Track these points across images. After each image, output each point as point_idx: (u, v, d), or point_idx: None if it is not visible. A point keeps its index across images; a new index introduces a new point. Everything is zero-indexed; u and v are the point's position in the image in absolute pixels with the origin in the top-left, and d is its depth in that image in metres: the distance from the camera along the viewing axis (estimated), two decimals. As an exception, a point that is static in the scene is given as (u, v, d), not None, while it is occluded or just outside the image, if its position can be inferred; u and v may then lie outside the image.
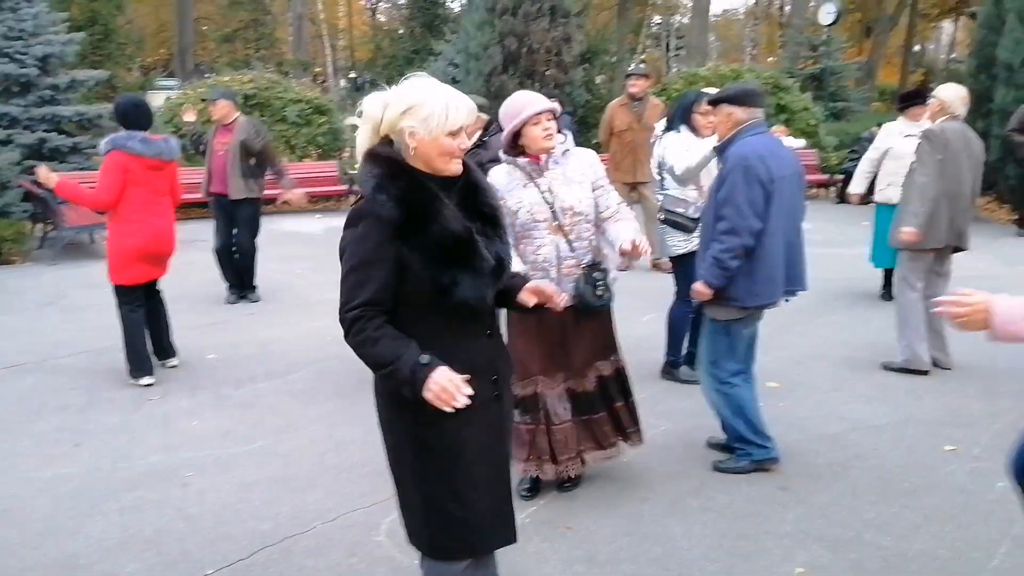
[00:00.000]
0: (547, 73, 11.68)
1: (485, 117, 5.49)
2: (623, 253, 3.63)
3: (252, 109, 13.28)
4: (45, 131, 12.30)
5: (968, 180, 5.61)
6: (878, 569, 3.36)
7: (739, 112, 4.10)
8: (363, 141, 2.38)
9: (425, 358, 2.25)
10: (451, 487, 2.44)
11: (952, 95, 5.66)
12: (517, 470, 3.68)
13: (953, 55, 44.14)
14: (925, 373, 5.64)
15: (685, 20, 41.27)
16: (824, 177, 15.26)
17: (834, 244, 10.23)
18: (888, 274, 7.59)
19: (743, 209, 3.89)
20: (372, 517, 3.80)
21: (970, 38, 17.54)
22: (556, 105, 3.81)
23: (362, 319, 2.28)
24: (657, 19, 44.57)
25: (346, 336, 2.32)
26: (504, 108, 3.75)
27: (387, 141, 2.36)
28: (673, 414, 5.00)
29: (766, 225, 3.92)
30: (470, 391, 2.23)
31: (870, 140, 14.00)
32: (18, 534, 3.73)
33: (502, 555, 3.45)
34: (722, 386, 4.23)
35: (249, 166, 7.64)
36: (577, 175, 3.76)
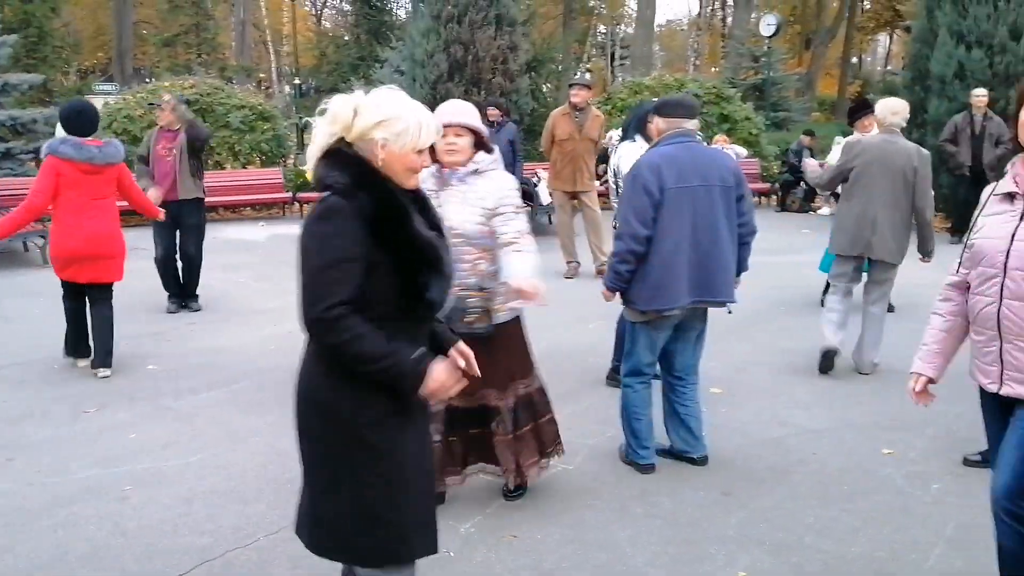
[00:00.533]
0: (493, 81, 11.70)
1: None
2: (514, 292, 3.54)
3: (194, 115, 13.07)
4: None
5: (883, 191, 5.65)
6: (818, 572, 3.42)
7: (660, 122, 4.26)
8: (322, 140, 2.38)
9: (421, 350, 2.32)
10: (389, 493, 2.42)
11: (880, 108, 5.86)
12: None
13: (889, 67, 45.36)
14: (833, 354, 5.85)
15: (630, 30, 41.71)
16: (766, 186, 15.54)
17: (776, 252, 10.40)
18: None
19: (628, 216, 4.09)
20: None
21: (905, 51, 18.03)
22: (464, 121, 3.60)
23: (346, 317, 2.25)
24: (602, 29, 45.02)
25: (326, 335, 2.27)
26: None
27: (346, 145, 2.37)
28: (616, 421, 5.01)
29: (655, 233, 4.04)
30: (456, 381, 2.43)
31: (797, 151, 14.39)
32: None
33: (449, 567, 3.44)
34: (623, 381, 4.44)
35: (196, 165, 7.66)
36: (475, 198, 3.63)
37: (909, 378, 3.11)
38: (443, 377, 2.34)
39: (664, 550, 3.59)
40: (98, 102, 18.92)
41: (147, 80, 17.95)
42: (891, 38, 45.28)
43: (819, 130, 17.82)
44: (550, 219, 12.67)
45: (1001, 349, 2.77)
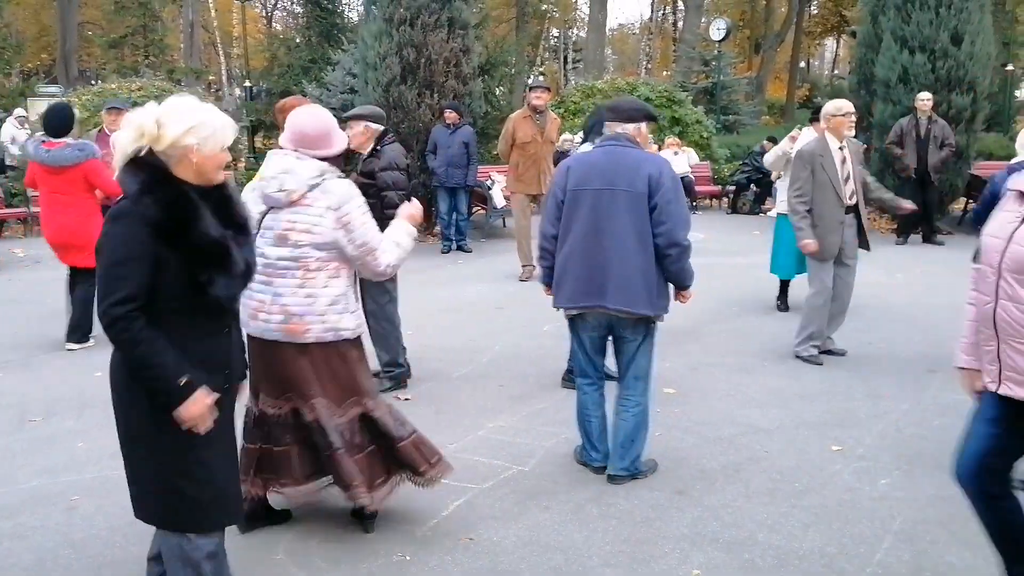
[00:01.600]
0: (446, 84, 11.66)
1: (379, 128, 5.47)
2: None
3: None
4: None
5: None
6: (770, 567, 3.47)
7: (601, 126, 4.46)
8: (128, 149, 2.56)
9: (184, 378, 2.55)
10: (185, 466, 2.67)
11: (827, 107, 6.16)
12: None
13: (836, 71, 46.22)
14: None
15: (582, 34, 41.96)
16: (716, 188, 15.73)
17: (727, 254, 10.55)
18: (785, 285, 7.83)
19: (543, 214, 4.36)
20: (271, 536, 3.71)
21: (851, 56, 18.38)
22: None
23: (126, 319, 2.49)
24: (555, 32, 45.21)
25: (108, 330, 2.52)
26: (331, 120, 3.62)
27: (149, 154, 2.57)
28: (573, 423, 5.03)
29: (560, 232, 4.20)
30: (215, 416, 2.64)
31: (761, 154, 14.59)
32: None
33: (404, 570, 3.43)
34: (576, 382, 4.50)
35: None
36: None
37: (962, 375, 3.06)
38: (196, 412, 2.60)
39: (619, 549, 3.62)
40: (42, 104, 18.52)
41: (93, 82, 17.58)
42: (838, 43, 46.16)
43: (773, 134, 18.08)
44: (504, 222, 12.71)
45: (998, 349, 2.79)
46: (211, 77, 36.67)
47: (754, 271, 8.85)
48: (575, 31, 45.81)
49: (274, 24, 42.37)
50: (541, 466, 4.47)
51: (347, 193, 3.46)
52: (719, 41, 22.55)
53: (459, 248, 11.23)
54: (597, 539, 3.71)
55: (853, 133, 6.30)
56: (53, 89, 21.51)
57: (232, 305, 2.76)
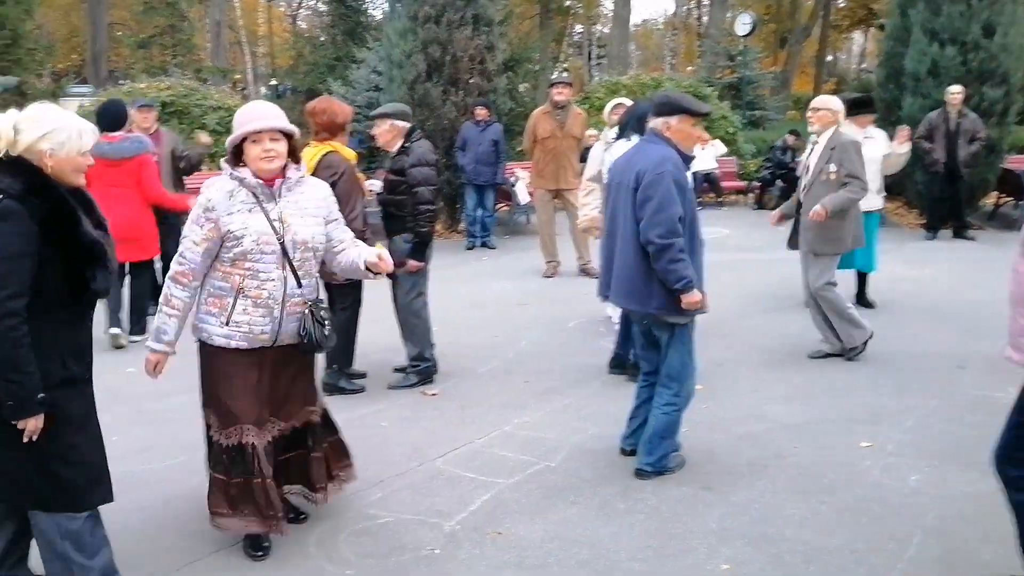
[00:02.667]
0: (471, 81, 11.68)
1: (405, 125, 5.50)
2: (370, 267, 3.50)
3: (170, 117, 12.98)
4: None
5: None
6: (799, 563, 3.46)
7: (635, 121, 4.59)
8: None
9: (40, 397, 2.72)
10: (58, 450, 2.85)
11: (841, 105, 6.09)
12: (226, 527, 3.49)
13: (864, 65, 45.78)
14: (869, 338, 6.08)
15: (606, 29, 41.81)
16: (742, 184, 15.64)
17: (753, 249, 10.49)
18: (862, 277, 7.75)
19: None
20: (301, 530, 3.74)
21: (879, 49, 18.19)
22: (280, 124, 3.32)
23: (18, 315, 2.66)
24: (579, 28, 45.09)
25: None
26: (239, 112, 3.43)
27: (15, 156, 2.73)
28: (599, 418, 5.06)
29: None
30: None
31: (783, 148, 14.50)
32: None
33: (434, 564, 3.46)
34: None
35: (178, 174, 7.82)
36: (312, 207, 3.44)
37: None
38: (36, 427, 2.76)
39: (647, 544, 3.62)
40: (72, 105, 18.74)
41: (122, 82, 17.77)
42: (866, 36, 45.68)
43: (800, 128, 17.94)
44: (528, 218, 12.71)
45: None
46: (237, 76, 36.93)
47: (780, 267, 8.78)
48: (599, 27, 45.66)
49: (299, 23, 42.62)
50: (568, 461, 4.47)
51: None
52: (744, 36, 22.37)
53: (484, 245, 11.25)
54: (624, 534, 3.71)
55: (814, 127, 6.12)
56: (83, 89, 21.79)
57: (104, 298, 3.00)
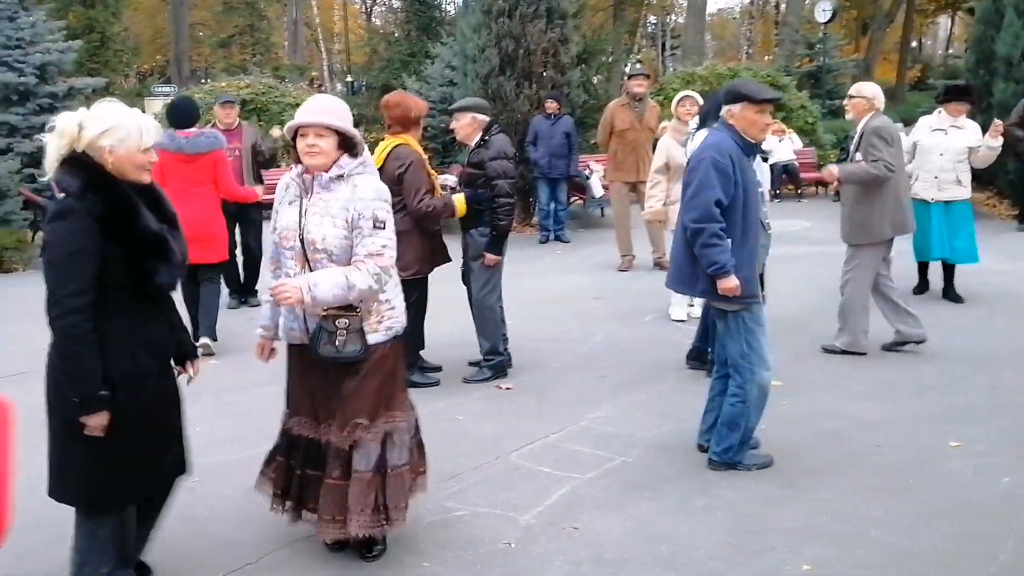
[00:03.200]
0: (544, 74, 11.67)
1: (485, 118, 5.51)
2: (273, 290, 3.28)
3: (250, 114, 13.30)
4: (44, 139, 12.31)
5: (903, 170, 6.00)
6: (884, 565, 3.36)
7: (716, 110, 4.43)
8: (55, 152, 2.78)
9: (102, 394, 2.76)
10: (120, 447, 2.86)
11: (878, 91, 5.92)
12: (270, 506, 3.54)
13: (950, 50, 44.20)
14: (863, 355, 5.95)
15: (680, 20, 41.28)
16: (822, 175, 15.26)
17: (833, 242, 10.19)
18: (924, 267, 7.60)
19: None
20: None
21: (967, 33, 17.53)
22: (325, 120, 3.20)
23: (82, 312, 2.71)
24: (652, 19, 44.59)
25: (61, 318, 2.71)
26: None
27: (81, 153, 2.77)
28: (677, 413, 5.00)
29: None
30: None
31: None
32: (28, 541, 3.71)
33: (509, 558, 3.46)
34: None
35: (257, 168, 7.98)
36: (337, 208, 3.21)
37: None
38: (100, 423, 2.79)
39: (726, 542, 3.57)
40: (156, 104, 19.35)
41: (203, 81, 18.29)
42: (952, 20, 44.07)
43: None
44: (603, 211, 12.65)
45: None
46: (314, 73, 37.62)
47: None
48: (673, 17, 45.10)
49: (374, 19, 43.16)
50: (645, 457, 4.44)
51: None
52: (825, 23, 21.84)
53: (557, 239, 11.23)
54: (703, 531, 3.66)
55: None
56: (167, 89, 22.48)
57: (170, 293, 3.05)
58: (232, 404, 5.41)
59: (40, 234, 11.25)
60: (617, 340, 6.58)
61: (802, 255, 8.97)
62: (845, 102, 6.08)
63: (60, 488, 2.98)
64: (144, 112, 8.22)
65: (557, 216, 11.26)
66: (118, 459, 2.90)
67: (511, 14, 11.51)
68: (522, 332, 6.46)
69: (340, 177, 3.24)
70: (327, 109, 3.26)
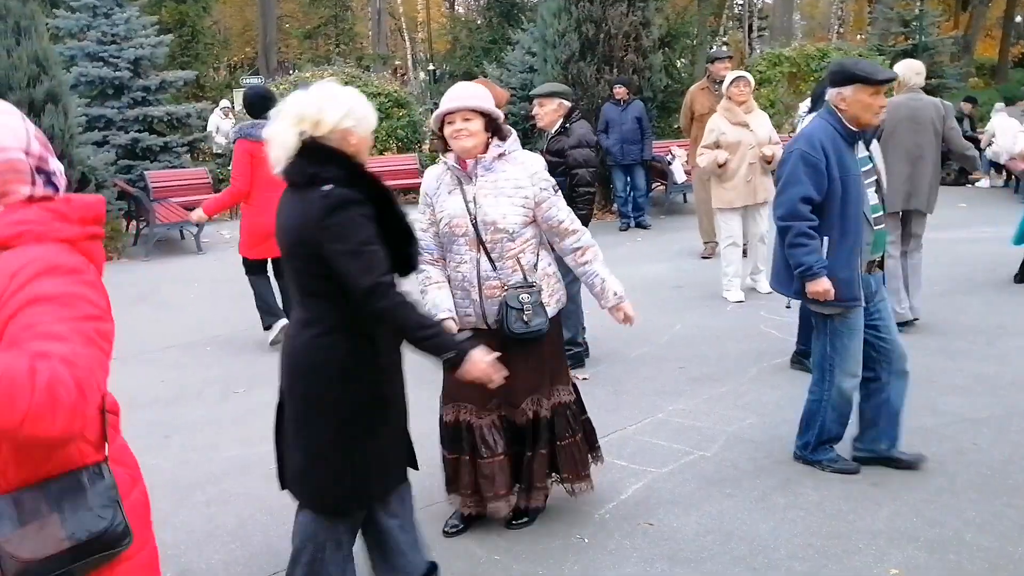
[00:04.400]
0: (625, 58, 11.48)
1: (567, 104, 5.42)
2: (614, 314, 3.49)
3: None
4: (138, 131, 12.73)
5: (916, 146, 5.90)
6: (981, 572, 3.17)
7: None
8: (290, 140, 2.54)
9: (467, 333, 2.78)
10: (380, 444, 2.74)
11: (905, 70, 6.00)
12: (449, 501, 3.59)
13: (1057, 25, 41.89)
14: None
15: (768, 0, 40.20)
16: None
17: (932, 228, 9.79)
18: None
19: None
20: (446, 513, 3.77)
21: (1076, 7, 16.57)
22: (470, 103, 3.27)
23: (392, 286, 2.54)
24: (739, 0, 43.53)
25: (380, 299, 2.51)
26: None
27: (317, 140, 2.55)
28: (759, 406, 4.85)
29: None
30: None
31: (959, 117, 13.47)
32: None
33: (582, 553, 3.40)
34: None
35: None
36: (510, 187, 3.31)
37: None
38: (485, 363, 2.66)
39: (808, 543, 3.43)
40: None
41: (290, 72, 18.63)
42: (1060, -7, 41.74)
43: (979, 96, 16.66)
44: (685, 197, 12.40)
45: None
46: (397, 62, 37.99)
47: (957, 247, 8.19)
48: (760, -3, 43.94)
49: (457, 7, 43.31)
50: (724, 451, 4.31)
51: None
52: (920, -1, 20.95)
53: (638, 225, 11.06)
54: (784, 530, 3.53)
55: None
56: (255, 80, 22.95)
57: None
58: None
59: (134, 223, 11.65)
60: (698, 330, 6.43)
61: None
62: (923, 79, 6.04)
63: (308, 492, 2.81)
64: (232, 104, 8.51)
65: (636, 202, 11.08)
66: (372, 455, 2.73)
67: (591, -2, 11.37)
68: (600, 321, 6.32)
69: (502, 156, 3.31)
70: (471, 94, 3.31)
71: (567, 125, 5.35)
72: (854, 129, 3.75)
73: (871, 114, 3.72)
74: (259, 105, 6.38)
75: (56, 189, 1.76)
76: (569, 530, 3.59)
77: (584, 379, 5.44)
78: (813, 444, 4.05)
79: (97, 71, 12.59)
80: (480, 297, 3.34)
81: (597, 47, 11.40)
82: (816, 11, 52.08)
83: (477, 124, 3.26)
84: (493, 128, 3.31)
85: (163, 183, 12.12)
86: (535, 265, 3.39)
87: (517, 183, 3.31)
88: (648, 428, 4.64)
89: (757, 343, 5.95)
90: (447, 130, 3.28)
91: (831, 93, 3.78)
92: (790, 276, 3.85)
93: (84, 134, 11.22)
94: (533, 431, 3.45)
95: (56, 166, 1.78)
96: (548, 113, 5.38)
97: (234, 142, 6.31)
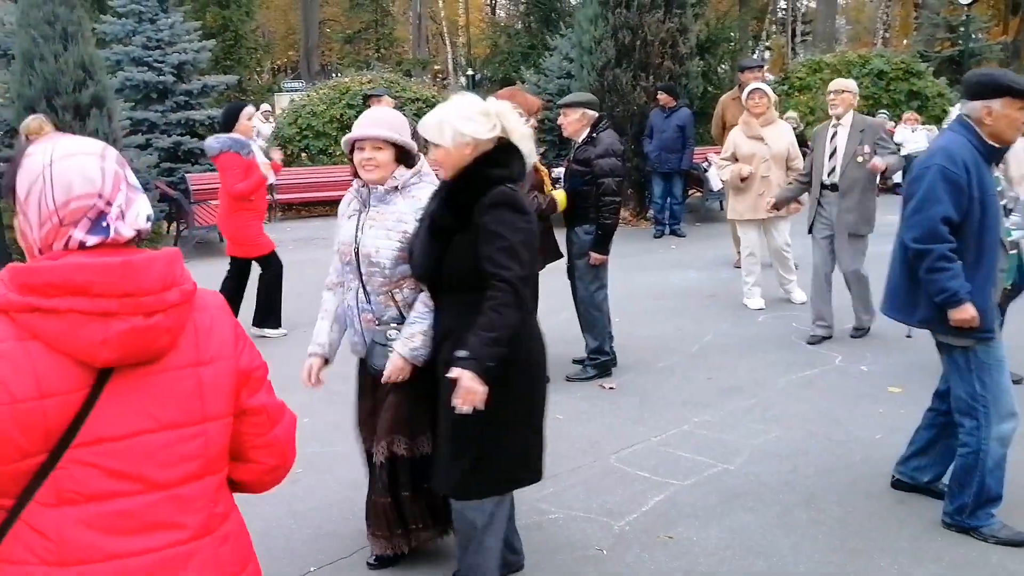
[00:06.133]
0: (662, 65, 11.44)
1: (592, 114, 5.42)
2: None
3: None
4: (180, 135, 12.95)
5: None
6: (1004, 594, 3.13)
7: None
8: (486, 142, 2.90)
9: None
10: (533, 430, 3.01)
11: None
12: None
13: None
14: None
15: (812, 4, 39.78)
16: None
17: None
18: None
19: None
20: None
21: None
22: (381, 133, 3.13)
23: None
24: (783, 4, 43.14)
25: (517, 299, 2.77)
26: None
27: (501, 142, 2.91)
28: (787, 419, 4.81)
29: None
30: None
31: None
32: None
33: (600, 566, 3.40)
34: None
35: None
36: (391, 220, 3.15)
37: None
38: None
39: (829, 560, 3.40)
40: (284, 100, 20.04)
41: (331, 76, 18.83)
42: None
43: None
44: (721, 205, 12.31)
45: None
46: (437, 67, 38.20)
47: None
48: (804, 2, 43.50)
49: (498, 11, 43.44)
50: (748, 465, 4.28)
51: None
52: (968, 4, 20.61)
53: (673, 233, 11.01)
54: (805, 547, 3.50)
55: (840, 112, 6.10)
56: (296, 85, 23.25)
57: None
58: (339, 395, 5.51)
59: (174, 225, 11.86)
60: (728, 340, 6.39)
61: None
62: (831, 97, 6.15)
63: (472, 480, 2.94)
64: (272, 108, 8.66)
65: (672, 210, 11.03)
66: (527, 439, 3.00)
67: (628, 4, 11.35)
68: (630, 330, 6.36)
69: (396, 189, 3.18)
70: (382, 122, 3.19)
71: (594, 135, 5.35)
72: (996, 146, 3.42)
73: (1014, 130, 3.41)
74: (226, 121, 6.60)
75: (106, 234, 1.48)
76: (588, 541, 3.60)
77: (611, 388, 5.45)
78: (971, 506, 3.52)
79: (142, 75, 12.82)
80: (360, 328, 3.26)
81: (633, 54, 11.39)
82: (862, 15, 51.42)
83: (386, 155, 3.13)
84: (404, 158, 3.18)
85: (203, 186, 12.31)
86: (412, 303, 3.17)
87: (400, 218, 3.15)
88: (673, 440, 4.63)
89: (788, 354, 5.90)
90: (356, 156, 3.15)
91: (974, 106, 3.42)
92: (912, 303, 3.52)
93: (128, 137, 11.45)
94: (389, 474, 3.28)
95: (124, 207, 1.50)
96: (572, 122, 5.39)
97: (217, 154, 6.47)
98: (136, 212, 1.52)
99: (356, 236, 3.20)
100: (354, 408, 3.51)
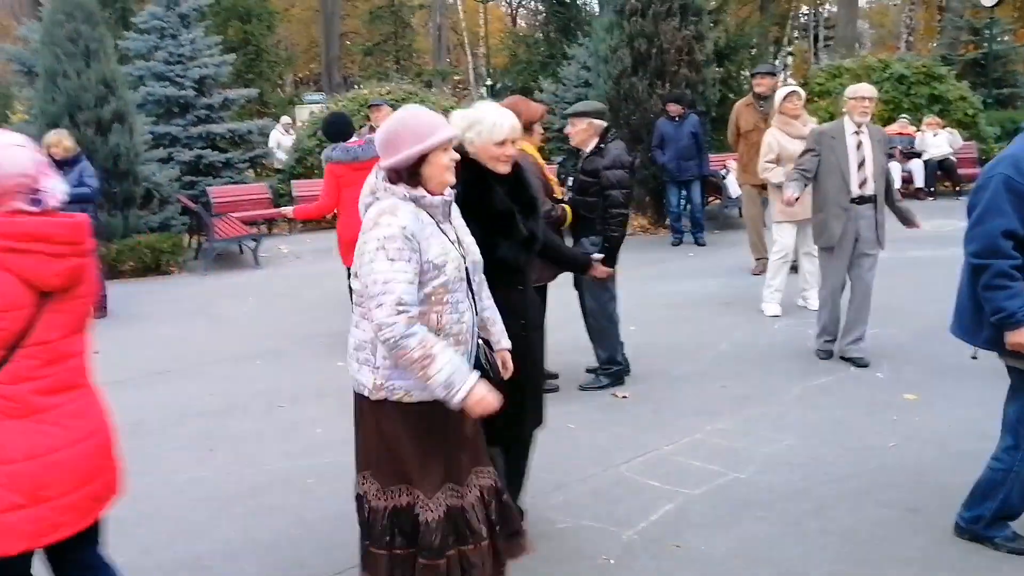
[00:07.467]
0: (678, 73, 11.41)
1: (602, 124, 5.42)
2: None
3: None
4: (201, 148, 13.10)
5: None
6: (1017, 604, 3.09)
7: None
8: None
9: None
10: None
11: None
12: None
13: None
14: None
15: (835, 8, 39.55)
16: (984, 170, 14.30)
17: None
18: None
19: None
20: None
21: None
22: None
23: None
24: (805, 9, 42.95)
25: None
26: (403, 124, 2.72)
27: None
28: (800, 428, 4.78)
29: None
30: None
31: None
32: (153, 534, 3.95)
33: (606, 573, 3.39)
34: None
35: None
36: (461, 223, 2.94)
37: None
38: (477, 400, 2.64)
39: (840, 569, 3.37)
40: (305, 112, 20.20)
41: (352, 88, 18.98)
42: None
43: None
44: (740, 212, 12.26)
45: None
46: (457, 77, 38.35)
47: None
48: (827, 6, 43.26)
49: (519, 21, 43.57)
50: (759, 474, 4.25)
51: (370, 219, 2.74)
52: (992, 7, 20.42)
53: (695, 241, 10.94)
54: (815, 556, 3.47)
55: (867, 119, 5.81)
56: (316, 97, 23.44)
57: (520, 267, 3.33)
58: (351, 406, 5.55)
59: (195, 238, 11.99)
60: (743, 348, 6.35)
61: (952, 258, 8.37)
62: (866, 103, 5.75)
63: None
64: (293, 120, 8.88)
65: (695, 218, 10.98)
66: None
67: (644, 13, 11.36)
68: (644, 338, 6.34)
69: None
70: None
71: (602, 145, 5.34)
72: None
73: None
74: (331, 130, 6.81)
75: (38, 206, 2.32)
76: (596, 550, 3.59)
77: (624, 397, 5.44)
78: (988, 519, 3.46)
79: (163, 90, 13.01)
80: (471, 344, 2.94)
81: (649, 62, 11.38)
82: (886, 19, 51.04)
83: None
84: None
85: (224, 198, 12.47)
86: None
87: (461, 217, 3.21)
88: (684, 448, 4.61)
89: (802, 363, 5.86)
90: (443, 159, 2.74)
91: None
92: (979, 322, 3.35)
93: (150, 151, 11.60)
94: (485, 511, 2.88)
95: (49, 187, 2.34)
96: (578, 133, 5.39)
97: (325, 164, 6.71)
98: (55, 189, 2.36)
99: (457, 247, 2.77)
100: (396, 450, 2.93)
